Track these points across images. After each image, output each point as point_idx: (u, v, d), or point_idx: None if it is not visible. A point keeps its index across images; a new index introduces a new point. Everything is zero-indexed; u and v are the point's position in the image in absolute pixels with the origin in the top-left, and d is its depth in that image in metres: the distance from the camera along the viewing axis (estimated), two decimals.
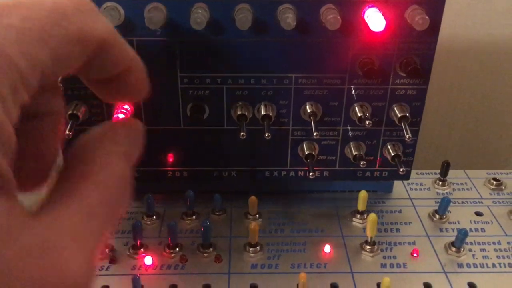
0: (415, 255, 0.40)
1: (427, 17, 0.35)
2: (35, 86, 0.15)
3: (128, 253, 0.40)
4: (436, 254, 0.40)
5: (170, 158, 0.43)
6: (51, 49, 0.15)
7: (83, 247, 0.15)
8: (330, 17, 0.35)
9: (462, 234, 0.39)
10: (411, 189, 0.48)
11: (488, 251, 0.41)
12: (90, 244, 0.15)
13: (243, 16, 0.36)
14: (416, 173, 0.50)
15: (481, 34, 0.63)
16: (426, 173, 0.50)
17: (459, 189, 0.49)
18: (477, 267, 0.39)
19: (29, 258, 0.13)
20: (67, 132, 0.36)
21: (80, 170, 0.17)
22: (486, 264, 0.40)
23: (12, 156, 0.15)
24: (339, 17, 0.35)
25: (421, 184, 0.49)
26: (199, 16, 0.35)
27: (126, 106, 0.40)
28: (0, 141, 0.14)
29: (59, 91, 0.20)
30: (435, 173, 0.50)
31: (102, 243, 0.16)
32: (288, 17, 0.35)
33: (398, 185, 0.48)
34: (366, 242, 0.40)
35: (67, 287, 0.14)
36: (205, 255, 0.40)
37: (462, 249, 0.40)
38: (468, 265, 0.39)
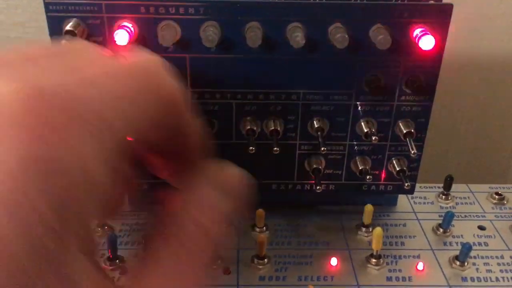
0: (420, 268, 0.41)
1: (432, 37, 0.36)
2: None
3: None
4: (441, 268, 0.41)
5: None
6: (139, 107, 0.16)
7: None
8: (338, 36, 0.36)
9: (466, 249, 0.40)
10: (415, 202, 0.49)
11: (492, 265, 0.42)
12: None
13: (254, 34, 0.37)
14: (420, 187, 0.51)
15: (481, 50, 0.65)
16: (429, 187, 0.51)
17: (462, 203, 0.49)
18: (481, 280, 0.40)
19: None
20: None
21: (169, 242, 0.17)
22: (490, 278, 0.40)
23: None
24: (346, 36, 0.36)
25: (425, 198, 0.50)
26: (211, 34, 0.36)
27: None
28: (100, 203, 0.14)
29: None
30: (438, 187, 0.51)
31: None
32: (297, 36, 0.36)
33: (402, 198, 0.49)
34: (372, 256, 0.41)
35: None
36: (214, 266, 0.40)
37: (466, 263, 0.41)
38: (472, 279, 0.40)
